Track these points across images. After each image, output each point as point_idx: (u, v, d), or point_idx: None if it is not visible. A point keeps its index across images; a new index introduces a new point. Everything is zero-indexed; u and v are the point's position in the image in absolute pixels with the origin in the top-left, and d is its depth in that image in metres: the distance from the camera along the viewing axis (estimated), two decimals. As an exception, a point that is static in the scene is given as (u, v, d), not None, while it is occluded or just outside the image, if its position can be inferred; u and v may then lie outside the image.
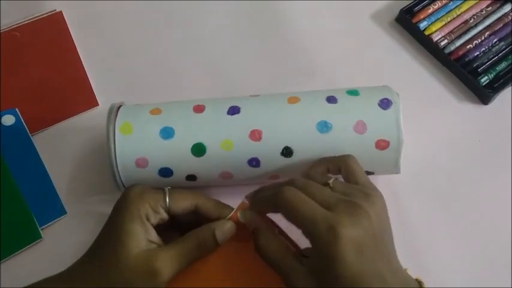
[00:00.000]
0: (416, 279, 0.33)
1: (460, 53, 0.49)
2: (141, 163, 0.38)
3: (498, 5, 0.51)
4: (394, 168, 0.39)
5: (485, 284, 0.39)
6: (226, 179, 0.40)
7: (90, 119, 0.48)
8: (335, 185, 0.34)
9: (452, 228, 0.42)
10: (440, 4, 0.51)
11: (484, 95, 0.47)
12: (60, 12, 0.52)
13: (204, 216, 0.36)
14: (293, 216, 0.32)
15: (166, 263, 0.33)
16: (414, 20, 0.51)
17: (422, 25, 0.50)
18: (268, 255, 0.34)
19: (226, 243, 0.36)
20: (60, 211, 0.43)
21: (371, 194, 0.33)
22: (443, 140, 0.46)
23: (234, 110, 0.38)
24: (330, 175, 0.36)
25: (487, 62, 0.49)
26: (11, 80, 0.48)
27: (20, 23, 0.51)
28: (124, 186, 0.40)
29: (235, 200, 0.37)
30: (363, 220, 0.31)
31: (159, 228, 0.35)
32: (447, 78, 0.49)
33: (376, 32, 0.52)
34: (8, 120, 0.46)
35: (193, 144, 0.38)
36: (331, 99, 0.39)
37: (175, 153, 0.38)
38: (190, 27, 0.53)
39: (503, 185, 0.44)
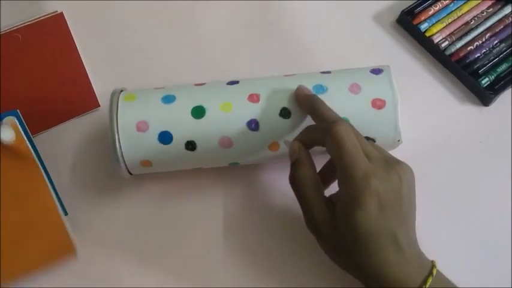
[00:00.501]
0: (432, 261, 0.34)
1: (461, 54, 0.49)
2: (142, 126, 0.38)
3: (499, 6, 0.51)
4: (394, 133, 0.39)
5: (485, 284, 0.40)
6: (227, 149, 0.40)
7: (91, 120, 0.48)
8: None
9: (452, 228, 0.42)
10: (441, 6, 0.51)
11: (484, 96, 0.47)
12: (61, 13, 0.52)
13: None
14: (338, 152, 0.32)
15: None
16: (415, 22, 0.51)
17: (423, 26, 0.51)
18: (303, 185, 0.35)
19: None
20: (62, 212, 0.43)
21: (400, 162, 0.34)
22: (444, 141, 0.46)
23: (233, 82, 0.40)
24: None
25: (488, 63, 0.49)
26: (12, 81, 0.48)
27: (21, 24, 0.51)
28: (123, 155, 0.39)
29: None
30: (394, 180, 0.32)
31: None
32: (448, 79, 0.49)
33: (377, 33, 0.52)
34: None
35: (193, 106, 0.39)
36: (325, 72, 0.41)
37: (176, 115, 0.39)
38: (191, 28, 0.53)
39: (504, 186, 0.44)
